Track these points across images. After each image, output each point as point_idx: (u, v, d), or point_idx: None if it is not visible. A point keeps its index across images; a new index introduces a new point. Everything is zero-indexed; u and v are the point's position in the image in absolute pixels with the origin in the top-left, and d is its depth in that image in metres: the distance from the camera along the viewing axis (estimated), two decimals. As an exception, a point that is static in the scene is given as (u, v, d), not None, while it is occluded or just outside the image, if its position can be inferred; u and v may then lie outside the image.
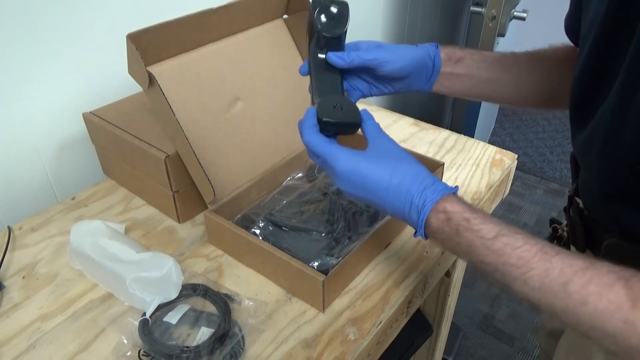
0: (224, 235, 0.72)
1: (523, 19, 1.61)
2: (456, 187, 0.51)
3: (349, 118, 0.56)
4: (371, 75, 0.65)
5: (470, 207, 0.49)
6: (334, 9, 0.58)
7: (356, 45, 0.63)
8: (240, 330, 0.61)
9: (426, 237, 0.51)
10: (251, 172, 0.80)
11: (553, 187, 2.41)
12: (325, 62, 0.61)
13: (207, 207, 0.73)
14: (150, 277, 0.63)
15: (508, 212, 2.24)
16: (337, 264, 0.64)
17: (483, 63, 0.67)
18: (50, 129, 0.85)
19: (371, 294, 0.67)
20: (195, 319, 0.63)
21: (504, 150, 0.97)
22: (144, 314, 0.62)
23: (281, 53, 0.88)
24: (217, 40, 0.80)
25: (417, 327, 1.03)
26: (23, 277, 0.70)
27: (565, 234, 0.68)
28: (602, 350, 0.57)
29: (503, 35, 1.56)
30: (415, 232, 0.51)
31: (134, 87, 0.79)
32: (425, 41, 0.67)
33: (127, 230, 0.78)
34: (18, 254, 0.74)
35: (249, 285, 0.68)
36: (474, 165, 0.93)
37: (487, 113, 2.29)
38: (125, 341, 0.60)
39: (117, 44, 0.78)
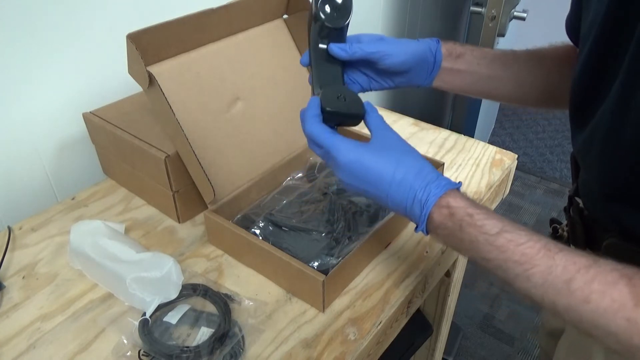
0: (224, 235, 0.72)
1: (523, 19, 1.61)
2: (459, 182, 0.51)
3: (353, 109, 0.55)
4: (372, 69, 0.64)
5: (474, 203, 0.48)
6: (338, 0, 0.58)
7: (358, 38, 0.63)
8: (240, 330, 0.61)
9: (427, 232, 0.51)
10: (251, 172, 0.80)
11: (553, 187, 2.41)
12: (327, 53, 0.60)
13: (207, 207, 0.73)
14: (150, 277, 0.63)
15: (508, 212, 2.24)
16: (337, 264, 0.64)
17: (483, 60, 0.67)
18: (50, 129, 0.85)
19: (371, 294, 0.67)
20: (195, 319, 0.63)
21: (504, 150, 0.97)
22: (144, 314, 0.62)
23: (281, 53, 0.88)
24: (217, 40, 0.80)
25: (417, 327, 1.03)
26: (23, 277, 0.70)
27: (565, 234, 0.68)
28: (602, 349, 0.56)
29: (503, 35, 1.56)
30: (416, 228, 0.51)
31: (134, 87, 0.79)
32: (426, 41, 0.67)
33: (127, 230, 0.78)
34: (18, 254, 0.74)
35: (249, 285, 0.68)
36: (474, 165, 0.93)
37: (487, 113, 2.29)
38: (125, 341, 0.60)
39: (117, 44, 0.78)
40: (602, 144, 0.49)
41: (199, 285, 0.67)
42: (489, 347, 1.67)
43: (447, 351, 1.47)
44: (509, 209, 2.26)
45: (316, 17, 0.58)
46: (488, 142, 1.00)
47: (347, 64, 0.63)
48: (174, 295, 0.64)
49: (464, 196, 0.49)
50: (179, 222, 0.80)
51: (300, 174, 0.84)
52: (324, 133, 0.53)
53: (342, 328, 0.62)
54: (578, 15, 0.58)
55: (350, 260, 0.65)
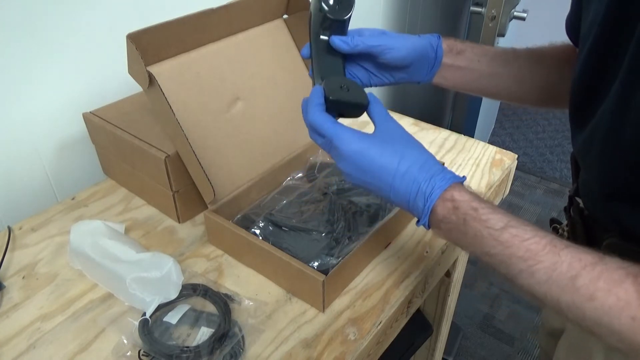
0: (224, 235, 0.72)
1: (523, 19, 1.61)
2: (464, 176, 0.51)
3: (357, 99, 0.55)
4: (372, 63, 0.64)
5: (478, 197, 0.48)
6: None
7: (359, 32, 0.62)
8: (240, 330, 0.61)
9: (429, 226, 0.50)
10: (251, 172, 0.80)
11: (553, 187, 2.41)
12: (328, 46, 0.60)
13: (207, 207, 0.73)
14: (150, 277, 0.63)
15: (508, 212, 2.24)
16: (337, 264, 0.64)
17: (484, 57, 0.67)
18: (50, 129, 0.85)
19: (371, 294, 0.67)
20: (195, 319, 0.63)
21: (504, 150, 0.97)
22: (144, 314, 0.62)
23: (281, 53, 0.88)
24: (217, 40, 0.80)
25: (417, 327, 1.03)
26: (23, 277, 0.70)
27: (565, 234, 0.68)
28: (602, 349, 0.56)
29: (503, 35, 1.56)
30: (418, 221, 0.50)
31: (134, 87, 0.79)
32: (425, 41, 0.67)
33: (127, 230, 0.78)
34: (18, 254, 0.74)
35: (249, 285, 0.68)
36: (474, 165, 0.93)
37: (487, 113, 2.29)
38: (125, 341, 0.60)
39: (117, 44, 0.78)
40: (602, 144, 0.49)
41: (199, 285, 0.67)
42: (489, 347, 1.67)
43: (447, 351, 1.47)
44: (509, 209, 2.26)
45: (320, 9, 0.58)
46: (488, 142, 1.00)
47: (347, 58, 0.62)
48: (174, 295, 0.64)
49: (469, 190, 0.49)
50: (179, 222, 0.80)
51: (300, 174, 0.84)
52: (327, 122, 0.52)
53: (342, 328, 0.62)
54: (578, 15, 0.57)
55: (350, 260, 0.65)
